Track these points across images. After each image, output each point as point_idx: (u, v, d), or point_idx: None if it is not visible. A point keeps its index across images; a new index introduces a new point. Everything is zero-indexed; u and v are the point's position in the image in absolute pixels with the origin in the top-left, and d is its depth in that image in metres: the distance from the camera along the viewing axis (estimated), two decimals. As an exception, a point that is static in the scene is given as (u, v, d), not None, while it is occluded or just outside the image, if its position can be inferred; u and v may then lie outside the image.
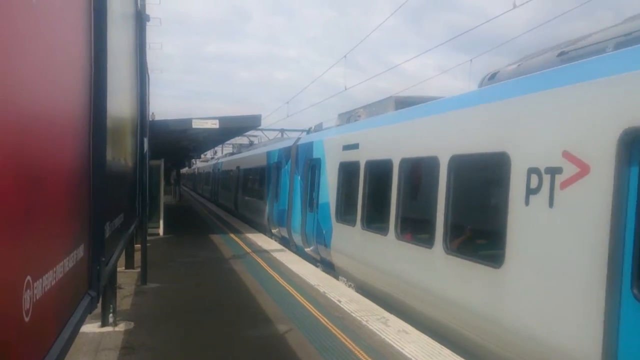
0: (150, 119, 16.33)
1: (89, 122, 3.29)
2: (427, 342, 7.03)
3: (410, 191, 9.04)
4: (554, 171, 5.40)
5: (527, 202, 5.75)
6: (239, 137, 43.68)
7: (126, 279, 11.04)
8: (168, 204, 28.27)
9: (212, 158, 57.22)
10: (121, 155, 6.00)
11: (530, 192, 5.71)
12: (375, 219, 9.89)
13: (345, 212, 11.30)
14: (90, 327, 7.58)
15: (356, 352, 6.69)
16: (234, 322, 7.99)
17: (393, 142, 9.25)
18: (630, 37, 5.83)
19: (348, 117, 13.20)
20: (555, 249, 5.35)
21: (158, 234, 18.57)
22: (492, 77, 8.17)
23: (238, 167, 28.31)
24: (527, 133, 5.91)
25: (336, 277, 11.65)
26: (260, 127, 31.93)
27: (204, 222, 24.10)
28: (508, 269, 6.00)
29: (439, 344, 6.94)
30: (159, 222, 18.79)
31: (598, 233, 4.83)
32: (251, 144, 43.63)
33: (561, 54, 6.88)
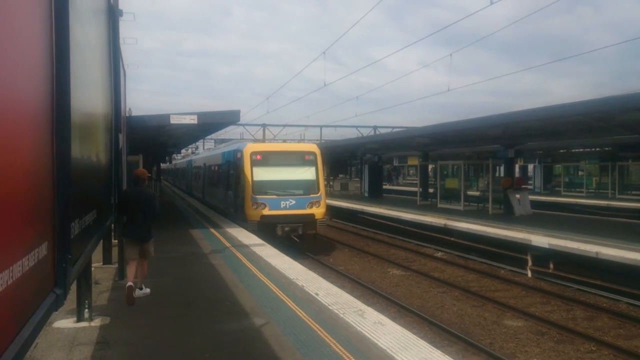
0: (127, 115, 16.18)
1: (51, 118, 3.27)
2: (402, 333, 7.11)
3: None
4: None
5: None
6: (221, 133, 43.46)
7: (104, 274, 10.97)
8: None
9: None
10: (92, 151, 5.94)
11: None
12: None
13: None
14: (66, 323, 7.55)
15: (332, 344, 6.73)
16: (210, 315, 8.00)
17: None
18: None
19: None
20: None
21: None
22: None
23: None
24: None
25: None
26: (241, 123, 31.84)
27: (184, 217, 24.00)
28: None
29: (414, 335, 7.02)
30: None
31: None
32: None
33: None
